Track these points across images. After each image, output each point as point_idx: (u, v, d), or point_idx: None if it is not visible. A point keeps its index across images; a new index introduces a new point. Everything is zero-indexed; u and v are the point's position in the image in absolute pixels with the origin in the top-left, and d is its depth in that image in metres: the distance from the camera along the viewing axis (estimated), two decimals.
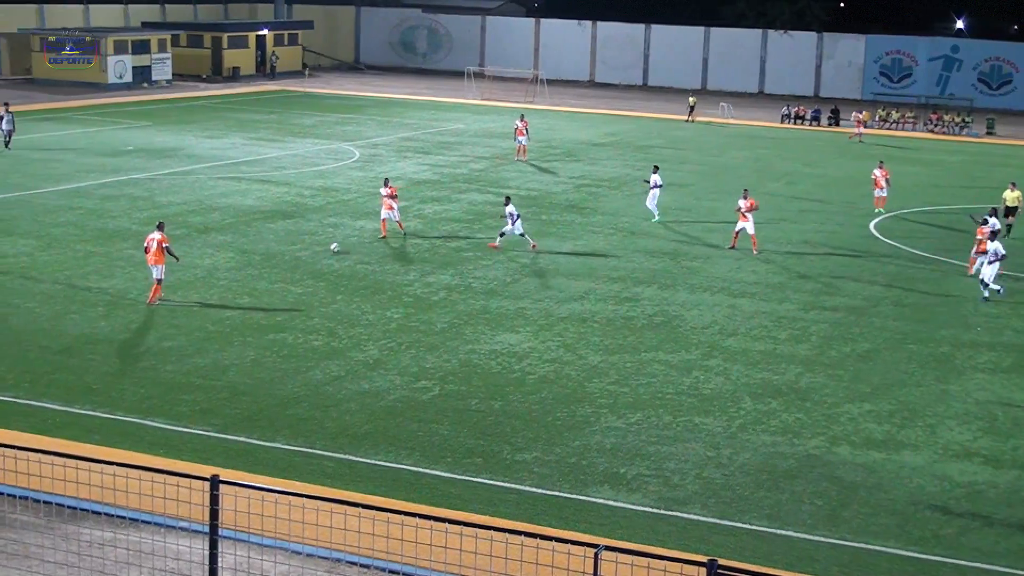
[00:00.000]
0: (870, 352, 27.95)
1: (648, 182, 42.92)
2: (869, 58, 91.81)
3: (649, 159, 57.58)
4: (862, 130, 69.28)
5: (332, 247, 35.53)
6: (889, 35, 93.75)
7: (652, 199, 42.40)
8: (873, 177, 45.72)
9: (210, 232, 37.71)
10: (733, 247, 37.78)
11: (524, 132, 55.78)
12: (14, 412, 21.76)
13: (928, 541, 18.10)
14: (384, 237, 37.54)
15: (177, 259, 30.48)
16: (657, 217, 42.28)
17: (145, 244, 29.60)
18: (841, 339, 28.81)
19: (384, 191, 37.75)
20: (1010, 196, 42.35)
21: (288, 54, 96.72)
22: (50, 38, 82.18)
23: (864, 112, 72.58)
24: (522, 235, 36.72)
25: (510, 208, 36.54)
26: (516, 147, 56.34)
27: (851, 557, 17.54)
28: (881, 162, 46.75)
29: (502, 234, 36.84)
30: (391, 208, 37.50)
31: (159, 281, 29.29)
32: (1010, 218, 41.52)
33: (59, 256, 33.92)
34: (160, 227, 29.67)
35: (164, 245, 29.12)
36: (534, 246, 36.74)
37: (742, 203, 37.66)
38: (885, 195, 45.21)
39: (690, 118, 74.67)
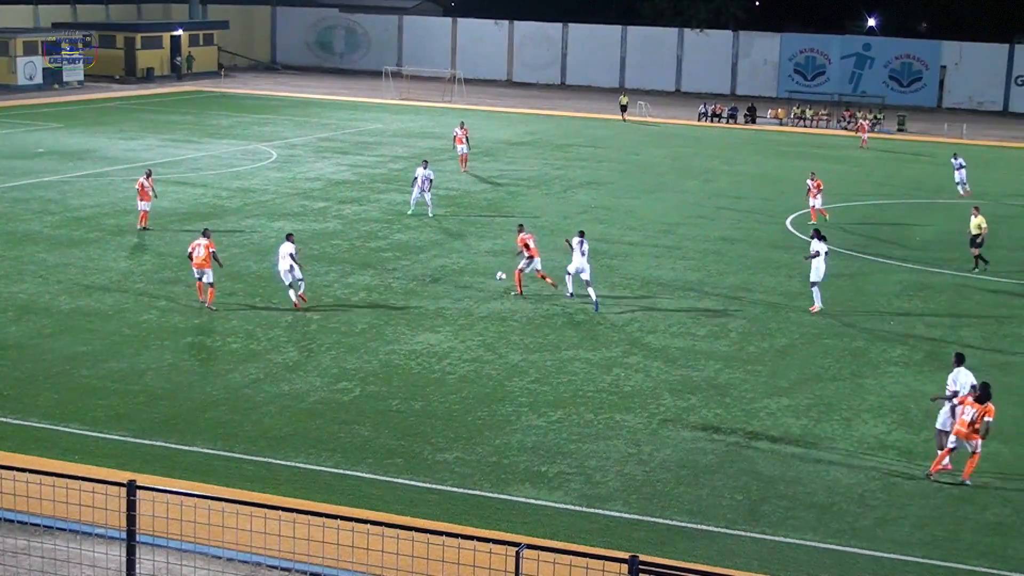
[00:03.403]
0: (787, 347, 28.26)
1: (417, 178, 41.93)
2: (784, 56, 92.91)
3: (568, 158, 57.96)
4: (867, 134, 67.09)
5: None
6: (803, 33, 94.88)
7: (421, 191, 41.61)
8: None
9: (125, 235, 37.17)
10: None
11: (464, 140, 52.21)
12: None
13: (845, 533, 18.33)
14: (145, 228, 37.65)
15: (221, 265, 30.35)
16: (413, 210, 42.00)
17: (190, 250, 29.39)
18: (759, 335, 29.10)
19: (145, 182, 37.79)
20: (973, 224, 36.43)
21: (204, 54, 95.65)
22: (50, 38, 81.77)
23: (867, 118, 72.26)
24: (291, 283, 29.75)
25: (289, 249, 29.55)
26: (458, 156, 52.15)
27: (771, 551, 17.71)
28: None
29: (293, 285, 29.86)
30: (147, 199, 37.80)
31: (212, 284, 29.15)
32: (975, 249, 36.37)
33: None
34: (206, 233, 29.67)
35: (211, 250, 29.11)
36: (297, 304, 29.49)
37: (810, 183, 43.06)
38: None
39: (624, 116, 74.99)
